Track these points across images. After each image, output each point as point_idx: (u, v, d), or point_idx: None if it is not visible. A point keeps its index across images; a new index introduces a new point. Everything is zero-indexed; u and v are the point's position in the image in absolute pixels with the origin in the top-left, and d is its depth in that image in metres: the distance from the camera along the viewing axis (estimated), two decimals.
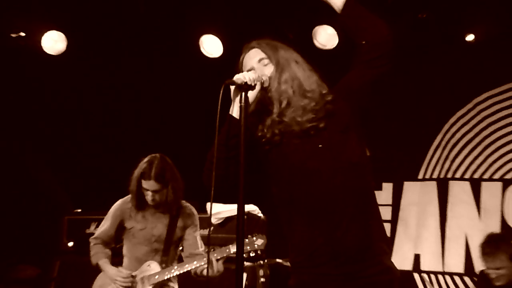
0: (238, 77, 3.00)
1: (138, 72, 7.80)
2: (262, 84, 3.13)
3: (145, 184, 5.06)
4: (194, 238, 5.30)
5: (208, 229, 6.28)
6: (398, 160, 7.53)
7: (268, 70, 3.23)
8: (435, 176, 7.41)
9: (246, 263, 5.72)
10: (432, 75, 7.37)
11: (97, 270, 5.31)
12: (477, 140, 7.20)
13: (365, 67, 3.19)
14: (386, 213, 7.56)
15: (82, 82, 7.69)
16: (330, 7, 3.29)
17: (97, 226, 6.64)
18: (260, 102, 3.17)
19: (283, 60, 3.24)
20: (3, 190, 7.22)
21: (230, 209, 6.50)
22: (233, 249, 4.78)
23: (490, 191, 7.07)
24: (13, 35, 6.80)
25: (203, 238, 5.53)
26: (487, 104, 7.14)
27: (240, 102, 2.96)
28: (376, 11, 6.50)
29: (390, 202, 7.60)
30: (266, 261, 5.59)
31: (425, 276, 7.23)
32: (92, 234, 5.80)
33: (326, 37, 6.93)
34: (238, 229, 2.91)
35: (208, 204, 6.41)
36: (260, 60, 3.27)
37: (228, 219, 6.51)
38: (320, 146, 3.09)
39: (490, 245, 5.62)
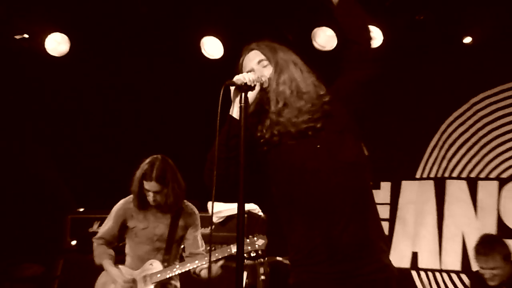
0: (238, 78, 3.00)
1: (140, 73, 7.80)
2: (261, 85, 3.13)
3: (147, 185, 5.07)
4: (195, 238, 5.31)
5: (209, 228, 6.34)
6: (396, 159, 7.53)
7: (267, 71, 3.22)
8: (432, 175, 7.41)
9: (247, 261, 5.70)
10: (430, 76, 7.36)
11: (99, 268, 5.31)
12: (473, 140, 7.20)
13: (351, 73, 3.22)
14: (384, 211, 7.55)
15: (85, 83, 7.70)
16: (329, 10, 3.29)
17: (99, 225, 6.71)
18: (260, 103, 3.17)
19: (282, 62, 3.24)
20: (7, 190, 7.21)
21: (231, 208, 6.49)
22: (234, 249, 4.78)
23: (487, 190, 7.06)
24: (17, 37, 6.79)
25: (204, 236, 5.54)
26: (484, 105, 7.13)
27: (240, 102, 2.96)
28: (374, 12, 6.55)
29: (388, 201, 7.59)
30: (266, 259, 5.59)
31: (424, 278, 7.22)
32: (95, 232, 5.81)
33: (325, 38, 6.92)
34: (238, 228, 2.89)
35: (209, 203, 6.40)
36: (259, 62, 3.27)
37: (229, 218, 6.51)
38: (318, 146, 3.09)
39: (485, 245, 5.61)
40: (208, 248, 5.52)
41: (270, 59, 3.25)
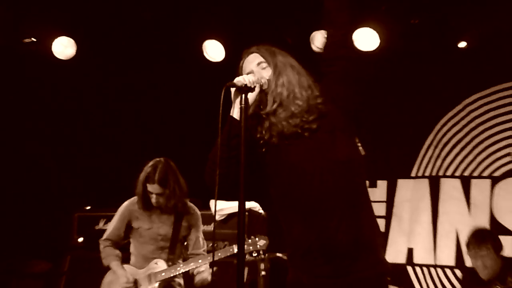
0: (239, 80, 2.99)
1: (144, 76, 7.78)
2: (261, 86, 3.11)
3: (150, 187, 5.10)
4: (197, 238, 5.35)
5: (211, 225, 6.33)
6: (392, 158, 7.52)
7: (266, 73, 3.21)
8: (427, 173, 7.39)
9: (248, 258, 5.70)
10: (425, 77, 7.34)
11: (106, 267, 5.35)
12: (467, 140, 7.19)
13: (329, 74, 3.22)
14: (380, 209, 7.54)
15: (91, 86, 7.68)
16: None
17: (105, 223, 6.71)
18: (259, 104, 3.15)
19: (280, 65, 3.23)
20: (17, 189, 7.19)
21: (233, 206, 6.47)
22: (236, 249, 4.77)
23: (480, 188, 7.05)
24: (25, 41, 6.77)
25: (207, 233, 5.56)
26: (477, 105, 7.12)
27: (241, 103, 2.95)
28: (370, 16, 6.54)
29: (384, 199, 7.57)
30: (266, 255, 5.57)
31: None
32: (101, 230, 5.83)
33: (323, 41, 6.88)
34: (239, 226, 2.89)
35: (211, 201, 6.38)
36: (258, 64, 3.25)
37: (230, 216, 6.49)
38: (313, 147, 3.07)
39: (477, 236, 5.63)
40: (210, 246, 5.61)
41: (269, 61, 3.24)
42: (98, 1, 6.69)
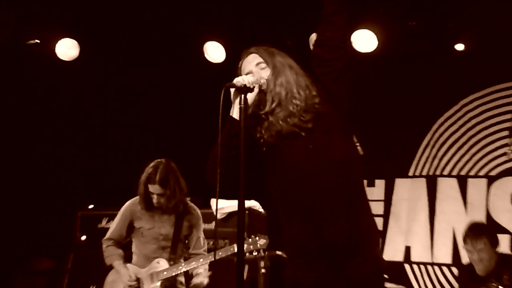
0: (238, 80, 2.99)
1: (145, 77, 7.78)
2: (260, 86, 3.10)
3: (151, 188, 5.10)
4: (198, 238, 5.36)
5: (212, 223, 6.33)
6: (390, 158, 7.51)
7: (265, 73, 3.20)
8: (424, 173, 7.38)
9: (248, 255, 5.70)
10: (422, 78, 7.34)
11: (109, 266, 5.36)
12: (463, 140, 7.18)
13: (321, 76, 3.20)
14: (378, 208, 7.53)
15: (94, 86, 7.67)
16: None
17: (108, 221, 6.71)
18: (258, 104, 3.14)
19: (279, 65, 3.22)
20: (21, 188, 7.19)
21: (233, 205, 6.45)
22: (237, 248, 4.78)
23: (476, 187, 7.04)
24: (29, 42, 6.76)
25: (208, 232, 5.56)
26: (473, 106, 7.12)
27: (240, 103, 2.94)
28: (369, 18, 6.54)
29: (382, 198, 7.56)
30: (266, 253, 5.56)
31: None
32: (104, 228, 5.82)
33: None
34: (238, 225, 2.89)
35: (212, 200, 6.38)
36: (257, 64, 3.24)
37: (231, 214, 6.47)
38: (310, 146, 3.07)
39: (473, 229, 5.62)
40: (211, 244, 5.61)
41: (268, 62, 3.23)
42: (100, 3, 6.68)
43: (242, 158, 2.87)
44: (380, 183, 7.59)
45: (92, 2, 6.65)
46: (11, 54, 6.80)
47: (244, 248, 4.75)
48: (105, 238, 5.36)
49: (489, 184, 6.95)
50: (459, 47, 6.80)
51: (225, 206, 6.38)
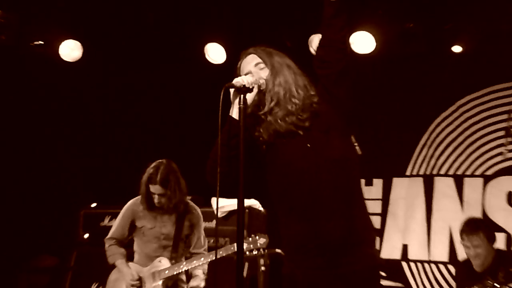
0: (237, 81, 2.98)
1: (147, 78, 7.79)
2: (259, 87, 3.09)
3: (152, 188, 5.11)
4: (198, 237, 5.37)
5: (213, 222, 6.32)
6: (388, 158, 7.49)
7: (264, 73, 3.19)
8: (421, 172, 7.37)
9: (248, 254, 5.70)
10: (419, 79, 7.33)
11: (112, 264, 5.37)
12: (460, 139, 7.16)
13: (322, 77, 3.19)
14: (376, 206, 7.51)
15: (97, 87, 7.67)
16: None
17: (110, 220, 6.70)
18: (257, 104, 3.13)
19: (277, 65, 3.21)
20: (26, 187, 7.18)
21: (233, 203, 6.44)
22: None
23: (472, 186, 7.03)
24: (33, 44, 6.76)
25: (208, 230, 5.56)
26: (470, 106, 7.10)
27: (239, 103, 2.93)
28: (367, 20, 6.54)
29: (380, 197, 7.55)
30: (266, 251, 5.55)
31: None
32: (106, 226, 5.81)
33: (317, 44, 6.87)
34: (238, 223, 2.88)
35: (213, 199, 6.37)
36: (256, 64, 3.23)
37: (231, 213, 6.46)
38: (308, 145, 3.07)
39: (470, 224, 5.60)
40: (211, 242, 5.61)
41: (267, 62, 3.22)
42: (103, 6, 6.69)
43: (242, 158, 2.86)
44: (378, 182, 7.58)
45: (95, 4, 6.66)
46: (15, 54, 6.79)
47: (245, 247, 4.77)
48: (107, 237, 5.36)
49: (485, 183, 6.94)
50: (456, 49, 6.79)
51: (225, 204, 6.37)
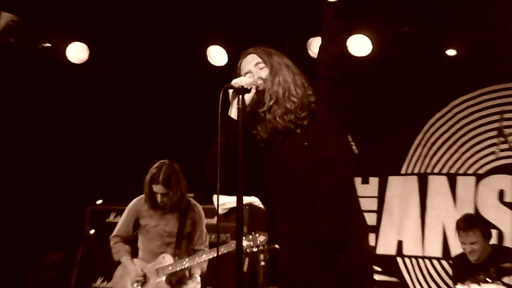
0: (236, 82, 2.98)
1: (151, 79, 7.79)
2: (257, 87, 3.09)
3: (155, 187, 5.11)
4: (200, 234, 5.36)
5: (214, 218, 6.30)
6: (383, 157, 7.48)
7: (264, 73, 3.19)
8: (416, 171, 7.36)
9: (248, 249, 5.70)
10: (414, 81, 7.34)
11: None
12: (453, 139, 7.16)
13: (323, 79, 3.19)
14: (372, 204, 7.51)
15: (103, 87, 7.67)
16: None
17: (115, 216, 6.72)
18: (256, 103, 3.13)
19: (276, 65, 3.21)
20: (34, 184, 7.18)
21: (234, 200, 6.41)
22: None
23: (465, 184, 7.02)
24: (41, 46, 6.75)
25: (210, 226, 5.58)
26: (463, 107, 7.10)
27: (238, 104, 2.93)
28: (363, 23, 6.52)
29: (376, 194, 7.54)
30: (266, 246, 5.55)
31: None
32: (112, 223, 5.81)
33: (318, 47, 6.86)
34: (237, 221, 2.92)
35: (215, 196, 6.35)
36: (256, 64, 3.23)
37: (232, 210, 6.45)
38: (305, 144, 3.06)
39: (466, 222, 5.57)
40: (213, 238, 5.60)
41: (266, 62, 3.21)
42: (109, 9, 6.68)
43: (241, 157, 2.86)
44: (374, 181, 7.56)
45: (102, 9, 6.65)
46: (24, 56, 6.78)
47: (245, 245, 4.77)
48: (112, 235, 5.36)
49: (478, 182, 6.93)
50: (450, 52, 6.78)
51: (226, 202, 6.36)
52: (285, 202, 3.09)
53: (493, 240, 6.33)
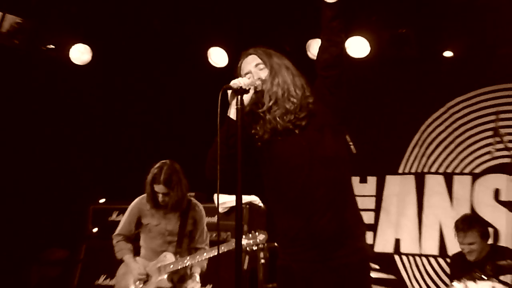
0: (234, 82, 2.98)
1: (153, 80, 7.78)
2: (255, 88, 3.08)
3: (156, 187, 5.10)
4: (201, 233, 5.35)
5: (215, 217, 6.29)
6: (381, 156, 7.48)
7: (263, 74, 3.18)
8: (413, 170, 7.35)
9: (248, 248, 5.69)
10: (411, 82, 7.34)
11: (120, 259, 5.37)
12: (450, 139, 7.16)
13: (321, 79, 3.17)
14: (370, 203, 7.50)
15: (105, 89, 7.66)
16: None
17: (118, 215, 6.71)
18: (255, 104, 3.12)
19: (276, 66, 3.20)
20: (38, 183, 7.17)
21: (234, 199, 6.41)
22: None
23: (461, 183, 7.02)
24: (45, 48, 6.74)
25: (210, 225, 5.58)
26: (459, 108, 7.10)
27: (237, 104, 2.93)
28: (361, 25, 6.51)
29: (374, 193, 7.52)
30: (265, 244, 5.55)
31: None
32: (114, 221, 5.80)
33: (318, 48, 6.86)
34: (237, 220, 2.96)
35: (215, 195, 6.34)
36: (256, 65, 3.22)
37: (233, 208, 6.42)
38: (304, 144, 3.05)
39: (465, 223, 5.57)
40: (213, 236, 5.58)
41: (266, 62, 3.21)
42: (112, 12, 6.68)
43: (240, 156, 2.85)
44: (372, 180, 7.55)
45: (105, 11, 6.66)
46: (28, 58, 6.77)
47: (245, 244, 4.76)
48: (115, 234, 5.36)
49: (474, 181, 6.93)
50: (447, 53, 6.77)
51: (227, 200, 6.35)
52: (283, 201, 3.08)
53: (489, 239, 6.34)
